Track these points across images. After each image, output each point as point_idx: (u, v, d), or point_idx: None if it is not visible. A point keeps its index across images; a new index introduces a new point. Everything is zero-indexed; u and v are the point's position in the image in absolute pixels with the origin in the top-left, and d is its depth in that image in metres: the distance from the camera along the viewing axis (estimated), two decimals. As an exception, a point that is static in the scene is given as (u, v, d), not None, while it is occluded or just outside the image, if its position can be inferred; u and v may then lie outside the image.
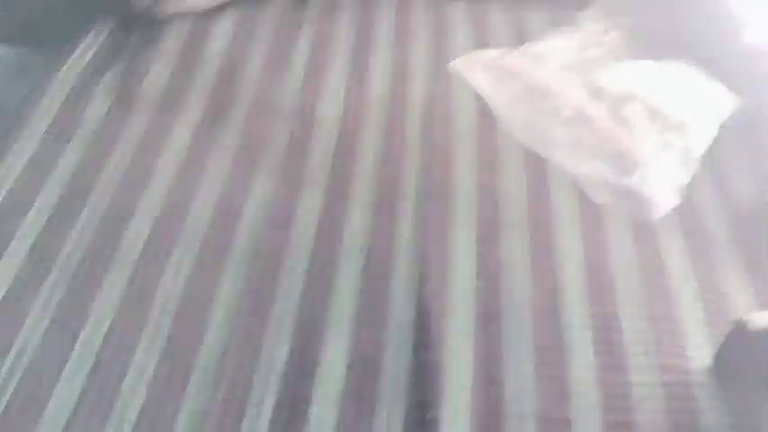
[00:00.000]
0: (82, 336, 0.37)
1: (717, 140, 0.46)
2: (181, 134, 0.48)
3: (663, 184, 0.43)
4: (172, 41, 0.55)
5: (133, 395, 0.35)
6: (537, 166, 0.45)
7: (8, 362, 0.36)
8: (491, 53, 0.51)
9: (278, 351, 0.37)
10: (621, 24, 0.53)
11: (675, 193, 0.43)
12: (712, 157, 0.46)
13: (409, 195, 0.44)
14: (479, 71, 0.49)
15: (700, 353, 0.37)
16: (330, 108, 0.50)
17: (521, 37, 0.55)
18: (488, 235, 0.42)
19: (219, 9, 0.57)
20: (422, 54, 0.54)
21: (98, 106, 0.50)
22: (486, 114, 0.48)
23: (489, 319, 0.38)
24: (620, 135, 0.44)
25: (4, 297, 0.39)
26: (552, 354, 0.37)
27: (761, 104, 0.47)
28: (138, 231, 0.42)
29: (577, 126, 0.45)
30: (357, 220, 0.43)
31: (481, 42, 0.55)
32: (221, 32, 0.56)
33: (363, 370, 0.36)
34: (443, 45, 0.55)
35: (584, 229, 0.42)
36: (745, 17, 0.47)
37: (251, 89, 0.51)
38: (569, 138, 0.45)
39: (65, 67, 0.52)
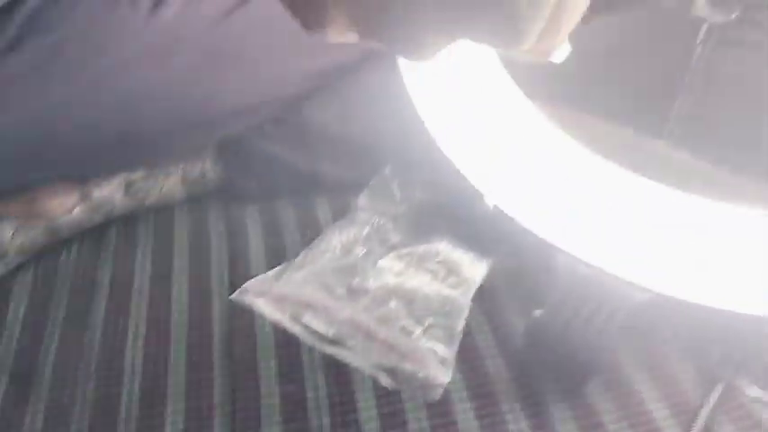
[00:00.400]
0: None
1: (481, 298, 0.51)
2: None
3: (434, 364, 0.47)
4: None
5: None
6: (338, 372, 0.47)
7: None
8: (268, 275, 0.54)
9: None
10: (387, 212, 0.58)
11: (448, 368, 0.47)
12: (479, 319, 0.50)
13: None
14: (257, 297, 0.53)
15: None
16: (132, 354, 0.50)
17: (310, 234, 0.58)
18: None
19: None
20: (219, 271, 0.56)
21: None
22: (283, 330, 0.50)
23: None
24: (385, 334, 0.48)
25: None
26: None
27: (509, 261, 0.53)
28: None
29: (349, 329, 0.49)
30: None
31: (274, 247, 0.57)
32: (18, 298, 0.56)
33: None
34: (240, 259, 0.56)
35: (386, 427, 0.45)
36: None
37: (53, 353, 0.51)
38: (349, 342, 0.49)
39: None
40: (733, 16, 0.50)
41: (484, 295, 0.51)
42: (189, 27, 0.55)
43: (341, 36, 0.28)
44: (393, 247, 0.52)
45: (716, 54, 0.51)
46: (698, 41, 0.51)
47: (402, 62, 0.43)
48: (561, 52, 0.29)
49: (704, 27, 0.51)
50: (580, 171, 0.44)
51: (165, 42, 0.54)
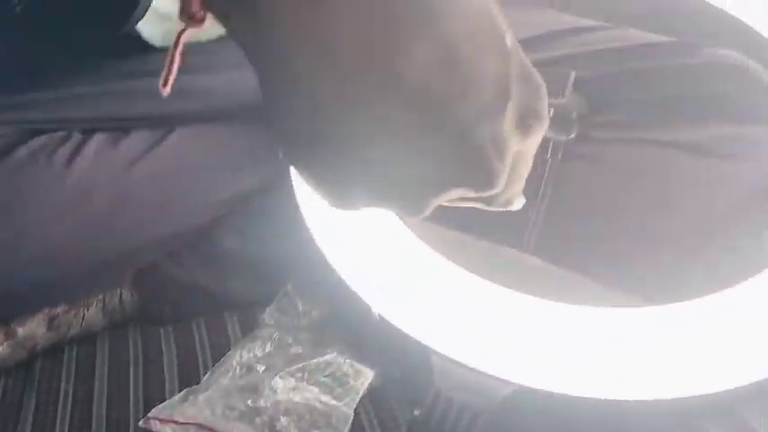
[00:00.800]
0: None
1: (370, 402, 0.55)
2: None
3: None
4: None
5: None
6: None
7: None
8: (174, 400, 0.58)
9: None
10: (291, 327, 0.62)
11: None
12: (368, 422, 0.54)
13: None
14: (163, 423, 0.56)
15: None
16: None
17: (221, 351, 0.61)
18: None
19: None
20: (136, 397, 0.59)
21: None
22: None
23: None
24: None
25: None
26: None
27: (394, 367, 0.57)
28: None
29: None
30: None
31: (188, 368, 0.61)
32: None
33: None
34: (155, 382, 0.60)
35: None
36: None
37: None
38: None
39: None
40: (572, 135, 0.57)
41: (373, 399, 0.56)
42: (101, 176, 0.61)
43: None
44: (291, 362, 0.57)
45: (563, 167, 0.57)
46: (547, 156, 0.58)
47: (299, 190, 0.50)
48: (520, 200, 0.33)
49: (551, 144, 0.57)
50: (444, 280, 0.50)
51: (80, 191, 0.60)
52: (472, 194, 0.28)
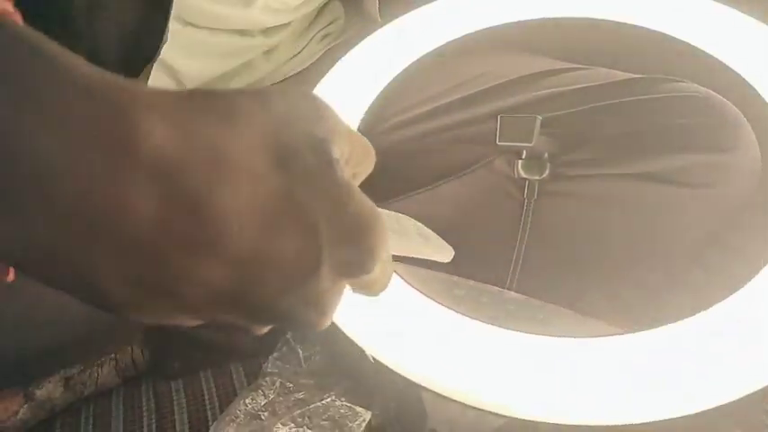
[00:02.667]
0: None
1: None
2: None
3: None
4: None
5: None
6: None
7: None
8: None
9: None
10: (293, 374, 0.64)
11: None
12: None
13: None
14: None
15: None
16: None
17: (227, 401, 0.65)
18: None
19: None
20: None
21: None
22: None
23: None
24: None
25: None
26: None
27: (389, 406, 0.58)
28: None
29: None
30: None
31: (197, 418, 0.64)
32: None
33: None
34: None
35: None
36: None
37: None
38: None
39: None
40: (545, 175, 0.60)
41: (373, 438, 0.58)
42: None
43: None
44: (294, 407, 0.60)
45: (539, 206, 0.60)
46: (524, 196, 0.61)
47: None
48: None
49: (526, 184, 0.60)
50: (432, 320, 0.53)
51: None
52: None
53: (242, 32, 0.67)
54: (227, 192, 0.22)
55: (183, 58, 0.65)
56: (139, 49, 0.59)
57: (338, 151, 0.25)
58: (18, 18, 0.28)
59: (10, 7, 0.28)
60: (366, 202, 0.26)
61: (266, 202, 0.23)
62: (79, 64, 0.22)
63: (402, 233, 0.36)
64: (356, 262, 0.26)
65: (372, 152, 0.29)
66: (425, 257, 0.39)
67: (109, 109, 0.21)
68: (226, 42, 0.67)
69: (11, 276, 0.28)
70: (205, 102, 0.23)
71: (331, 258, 0.25)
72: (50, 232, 0.21)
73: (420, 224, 0.40)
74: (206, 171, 0.22)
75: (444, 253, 0.40)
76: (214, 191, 0.22)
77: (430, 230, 0.40)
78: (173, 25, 0.56)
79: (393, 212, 0.36)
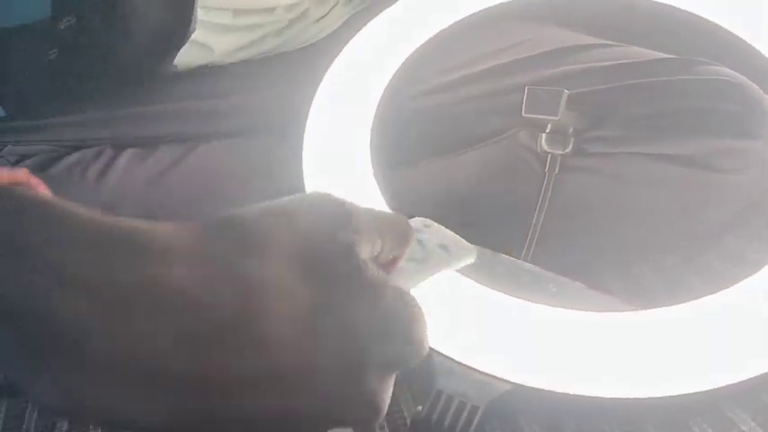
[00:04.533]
0: None
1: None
2: None
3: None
4: None
5: None
6: None
7: None
8: None
9: None
10: None
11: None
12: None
13: None
14: None
15: None
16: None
17: None
18: None
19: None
20: None
21: None
22: None
23: None
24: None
25: None
26: None
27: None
28: None
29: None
30: None
31: None
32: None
33: None
34: None
35: None
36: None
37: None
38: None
39: None
40: (569, 149, 0.60)
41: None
42: (130, 187, 0.65)
43: None
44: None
45: (560, 180, 0.61)
46: (545, 170, 0.61)
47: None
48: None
49: (548, 158, 0.61)
50: (446, 286, 0.54)
51: (110, 202, 0.64)
52: None
53: (265, 11, 0.68)
54: (263, 322, 0.23)
55: (211, 36, 0.66)
56: (168, 39, 0.61)
57: (367, 249, 0.26)
58: (34, 182, 0.31)
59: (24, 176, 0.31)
60: (402, 295, 0.26)
61: (304, 320, 0.24)
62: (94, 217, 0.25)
63: (424, 258, 0.35)
64: (406, 353, 0.27)
65: (408, 229, 0.30)
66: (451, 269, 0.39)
67: (124, 257, 0.23)
68: (251, 21, 0.69)
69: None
70: (229, 233, 0.24)
71: (376, 357, 0.25)
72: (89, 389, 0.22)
73: (437, 225, 0.39)
74: (236, 306, 0.23)
75: (466, 256, 0.39)
76: (251, 323, 0.23)
77: (447, 231, 0.39)
78: (199, 15, 0.58)
79: (413, 222, 0.35)
